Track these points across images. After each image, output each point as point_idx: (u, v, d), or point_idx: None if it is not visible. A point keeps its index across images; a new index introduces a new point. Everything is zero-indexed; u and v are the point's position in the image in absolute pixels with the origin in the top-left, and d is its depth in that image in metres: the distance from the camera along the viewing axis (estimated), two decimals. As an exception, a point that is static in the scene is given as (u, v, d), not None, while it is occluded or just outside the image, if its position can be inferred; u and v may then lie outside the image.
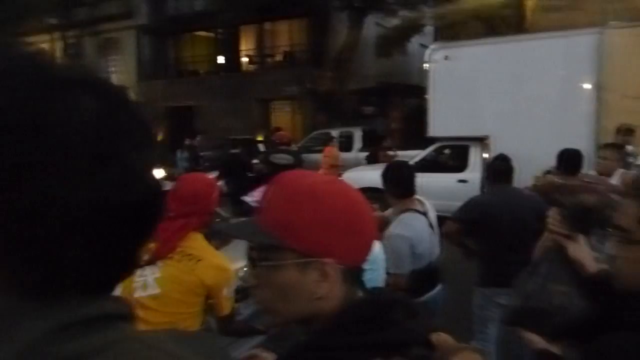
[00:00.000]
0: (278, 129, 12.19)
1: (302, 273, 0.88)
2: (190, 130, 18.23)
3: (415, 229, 2.86)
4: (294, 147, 10.45)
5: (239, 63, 21.39)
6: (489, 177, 3.64)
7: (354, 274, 0.92)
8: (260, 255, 0.91)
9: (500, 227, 3.31)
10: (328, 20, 18.76)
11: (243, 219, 2.61)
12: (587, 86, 7.96)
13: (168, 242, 2.01)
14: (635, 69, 7.44)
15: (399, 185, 2.97)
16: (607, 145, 4.76)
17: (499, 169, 3.59)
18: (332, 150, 11.29)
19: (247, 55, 21.37)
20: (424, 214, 2.93)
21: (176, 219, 2.04)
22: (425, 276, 2.93)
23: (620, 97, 7.53)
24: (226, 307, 2.13)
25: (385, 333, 0.84)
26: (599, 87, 7.77)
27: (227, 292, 2.12)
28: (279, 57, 20.82)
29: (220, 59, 21.44)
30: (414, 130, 10.36)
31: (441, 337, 0.86)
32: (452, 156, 9.76)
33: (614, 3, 14.34)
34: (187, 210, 2.06)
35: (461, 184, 8.37)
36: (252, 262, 0.95)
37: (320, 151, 13.25)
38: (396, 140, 15.35)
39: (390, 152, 10.46)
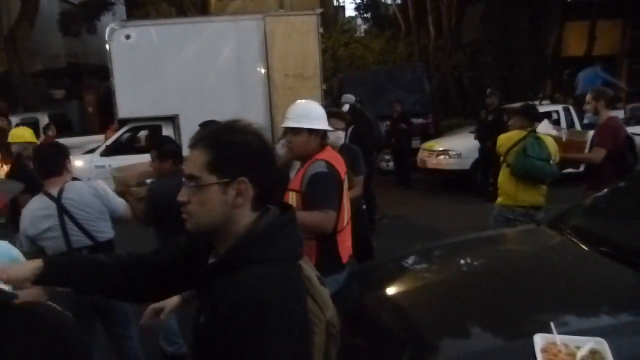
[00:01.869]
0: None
1: None
2: None
3: (29, 210, 2.93)
4: None
5: None
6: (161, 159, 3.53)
7: None
8: None
9: (164, 210, 3.31)
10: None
11: None
12: (259, 66, 9.00)
13: None
14: (292, 52, 8.78)
15: (38, 167, 3.01)
16: None
17: (173, 152, 3.56)
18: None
19: None
20: (56, 199, 2.93)
21: None
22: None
23: (284, 77, 8.81)
24: None
25: None
26: (267, 68, 8.89)
27: None
28: None
29: None
30: (111, 113, 9.99)
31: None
32: (147, 137, 9.83)
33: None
34: None
35: (157, 163, 8.52)
36: None
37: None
38: (92, 124, 14.55)
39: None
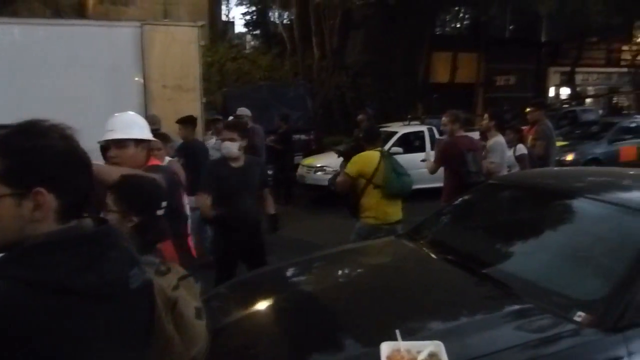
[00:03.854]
0: None
1: None
2: None
3: None
4: None
5: None
6: None
7: None
8: None
9: None
10: None
11: None
12: (135, 76, 8.58)
13: None
14: (170, 62, 8.52)
15: None
16: (157, 135, 5.17)
17: None
18: None
19: None
20: None
21: None
22: None
23: (161, 87, 8.51)
24: None
25: None
26: (144, 78, 8.52)
27: None
28: None
29: None
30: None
31: None
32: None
33: (168, 4, 15.98)
34: None
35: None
36: None
37: None
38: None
39: None
